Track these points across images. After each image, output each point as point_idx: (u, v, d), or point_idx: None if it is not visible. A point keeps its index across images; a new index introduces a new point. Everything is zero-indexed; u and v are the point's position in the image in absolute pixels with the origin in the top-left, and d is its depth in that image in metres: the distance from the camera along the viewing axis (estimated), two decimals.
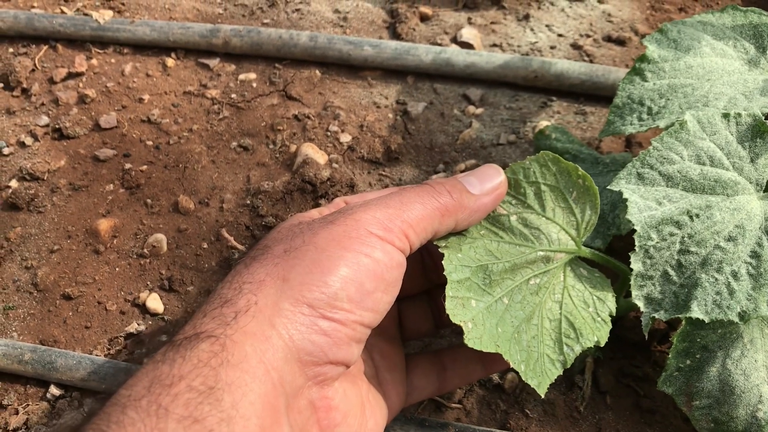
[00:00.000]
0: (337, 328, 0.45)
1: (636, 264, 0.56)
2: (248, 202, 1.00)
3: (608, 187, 0.59)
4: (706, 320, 0.54)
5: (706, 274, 0.55)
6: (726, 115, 0.61)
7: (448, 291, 0.50)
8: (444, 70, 1.12)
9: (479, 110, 1.07)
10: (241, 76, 1.19)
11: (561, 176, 0.56)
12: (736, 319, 0.54)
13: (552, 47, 1.18)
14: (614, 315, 0.55)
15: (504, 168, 0.56)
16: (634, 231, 0.56)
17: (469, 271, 0.52)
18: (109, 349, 0.87)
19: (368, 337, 0.53)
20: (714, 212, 0.57)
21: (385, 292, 0.47)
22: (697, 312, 0.54)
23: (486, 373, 0.62)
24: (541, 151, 0.56)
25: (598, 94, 1.05)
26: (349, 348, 0.46)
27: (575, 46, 1.18)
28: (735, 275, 0.55)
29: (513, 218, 0.55)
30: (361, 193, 0.60)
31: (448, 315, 0.49)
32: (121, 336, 0.88)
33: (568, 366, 0.53)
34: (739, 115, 0.61)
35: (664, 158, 0.59)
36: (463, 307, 0.50)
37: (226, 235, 0.95)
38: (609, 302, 0.56)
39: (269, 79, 1.18)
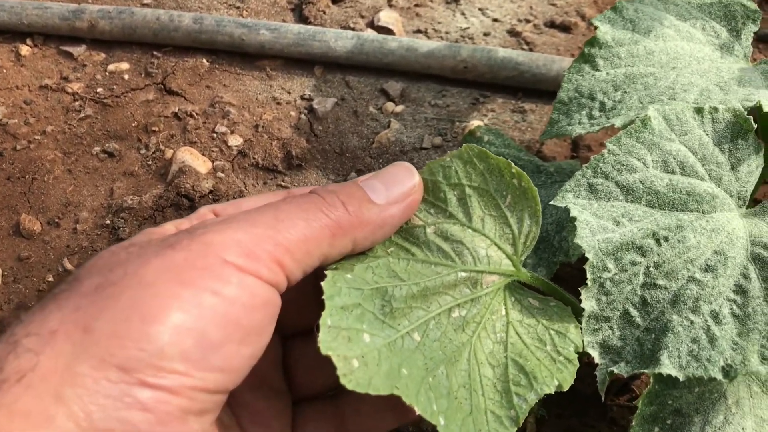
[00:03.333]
0: (164, 398, 0.37)
1: (588, 302, 0.51)
2: (108, 221, 0.90)
3: (552, 202, 0.54)
4: (681, 377, 0.48)
5: (679, 315, 0.50)
6: (699, 111, 0.57)
7: (326, 319, 0.44)
8: (357, 60, 1.05)
9: (399, 108, 1.04)
10: (111, 67, 1.10)
11: (491, 176, 0.52)
12: (719, 376, 0.48)
13: (486, 34, 1.12)
14: (581, 350, 0.50)
15: (419, 168, 0.52)
16: (586, 257, 0.52)
17: (359, 296, 0.47)
18: None
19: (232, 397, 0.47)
20: (687, 234, 0.53)
21: (243, 342, 0.41)
22: (668, 366, 0.49)
23: (398, 421, 0.55)
24: (465, 145, 0.51)
25: (539, 89, 1.02)
26: (182, 426, 0.39)
27: (513, 32, 1.13)
28: (716, 317, 0.50)
29: (429, 230, 0.52)
30: (236, 201, 0.52)
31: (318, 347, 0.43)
32: None
33: (521, 422, 0.49)
34: (716, 109, 0.56)
35: (623, 165, 0.55)
36: (348, 341, 0.45)
37: (72, 267, 0.81)
38: (572, 335, 0.51)
39: (145, 69, 1.10)
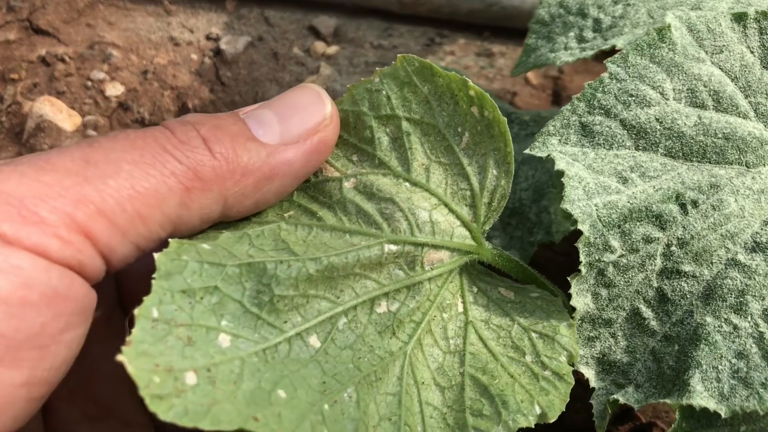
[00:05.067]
0: None
1: (582, 297, 0.45)
2: None
3: (528, 151, 0.47)
4: (723, 412, 0.43)
5: (715, 316, 0.45)
6: (740, 18, 0.49)
7: (149, 308, 0.37)
8: None
9: (332, 49, 0.96)
10: None
11: (439, 103, 0.46)
12: None
13: None
14: (576, 359, 0.46)
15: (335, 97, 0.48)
16: (577, 232, 0.46)
17: (217, 274, 0.40)
18: None
19: None
20: (725, 197, 0.47)
21: (4, 362, 0.34)
22: (702, 394, 0.43)
23: None
24: (401, 56, 0.46)
25: (511, 26, 0.95)
26: None
27: None
28: None
29: (348, 185, 0.46)
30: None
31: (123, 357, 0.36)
32: None
33: None
34: (766, 15, 0.49)
35: (631, 95, 0.48)
36: (187, 344, 0.38)
37: None
38: (563, 338, 0.46)
39: (7, 3, 0.99)
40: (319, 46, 0.96)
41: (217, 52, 0.94)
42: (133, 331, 0.36)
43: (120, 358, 0.35)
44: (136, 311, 0.37)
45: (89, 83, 0.88)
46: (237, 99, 0.88)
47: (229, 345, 0.39)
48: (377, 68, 0.47)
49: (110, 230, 0.38)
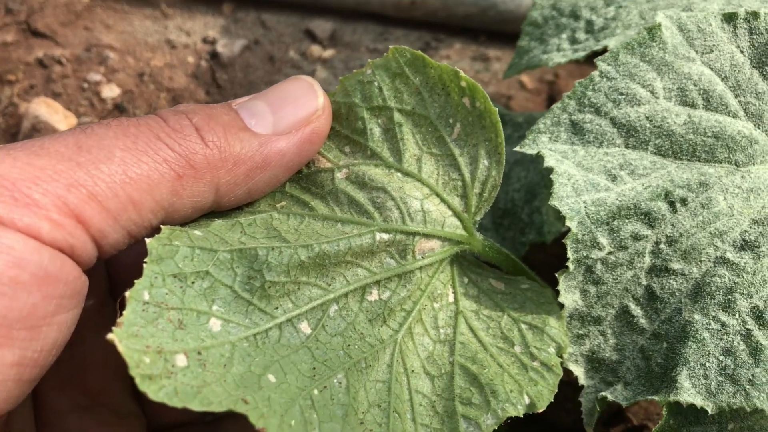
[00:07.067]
0: None
1: (570, 294, 0.46)
2: None
3: (519, 148, 0.47)
4: (710, 408, 0.43)
5: (704, 313, 0.44)
6: (730, 18, 0.49)
7: (140, 291, 0.37)
8: None
9: (328, 53, 0.96)
10: None
11: (430, 95, 0.46)
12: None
13: None
14: (565, 351, 0.46)
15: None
16: (566, 231, 0.48)
17: (209, 260, 0.41)
18: None
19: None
20: (714, 195, 0.46)
21: (0, 344, 0.34)
22: (689, 391, 0.43)
23: None
24: (392, 48, 0.45)
25: (506, 31, 0.94)
26: None
27: None
28: (759, 316, 0.43)
29: (340, 175, 0.46)
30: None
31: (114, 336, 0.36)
32: None
33: None
34: (756, 15, 0.48)
35: (621, 94, 0.48)
36: (178, 327, 0.38)
37: None
38: (552, 330, 0.46)
39: (5, 5, 1.00)
40: (315, 50, 0.96)
41: (214, 55, 0.94)
42: (125, 312, 0.36)
43: (110, 337, 0.35)
44: (128, 293, 0.37)
45: (85, 85, 0.89)
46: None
47: (220, 329, 0.40)
48: (369, 60, 0.47)
49: (102, 215, 0.38)
